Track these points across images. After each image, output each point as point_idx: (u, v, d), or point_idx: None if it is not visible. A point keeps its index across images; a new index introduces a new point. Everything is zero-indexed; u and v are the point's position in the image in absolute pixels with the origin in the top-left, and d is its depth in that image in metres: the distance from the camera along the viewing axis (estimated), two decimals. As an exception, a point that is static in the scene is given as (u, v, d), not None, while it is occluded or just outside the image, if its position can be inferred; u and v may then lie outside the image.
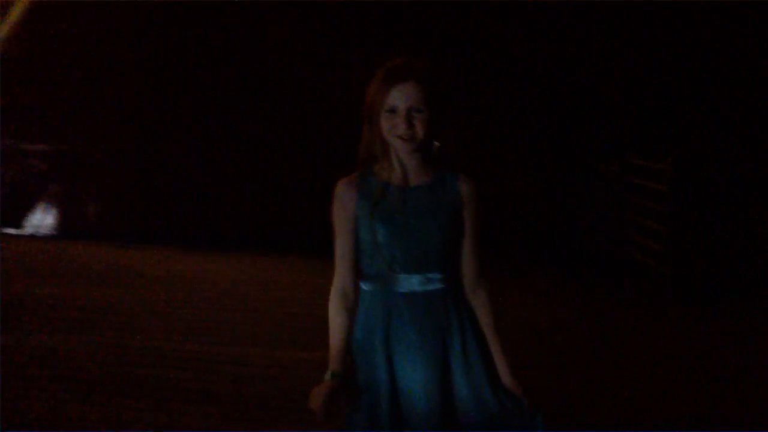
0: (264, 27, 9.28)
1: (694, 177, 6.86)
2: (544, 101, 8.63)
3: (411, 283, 1.84)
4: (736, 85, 8.22)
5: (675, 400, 3.85)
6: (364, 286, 1.90)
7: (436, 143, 1.83)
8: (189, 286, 6.41)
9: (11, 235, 9.80)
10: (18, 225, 9.94)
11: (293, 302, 5.65)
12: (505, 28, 8.60)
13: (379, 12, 8.70)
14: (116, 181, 9.77)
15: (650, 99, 8.38)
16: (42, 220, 9.94)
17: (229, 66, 9.40)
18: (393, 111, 1.77)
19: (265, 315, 5.36)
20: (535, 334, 4.96)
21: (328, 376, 1.80)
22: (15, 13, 12.19)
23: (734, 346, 4.86)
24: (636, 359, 4.55)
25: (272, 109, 9.23)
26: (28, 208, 10.03)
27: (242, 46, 9.36)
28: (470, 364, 1.84)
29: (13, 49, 12.01)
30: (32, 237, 9.65)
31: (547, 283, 6.74)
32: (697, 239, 6.86)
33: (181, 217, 9.15)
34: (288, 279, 6.67)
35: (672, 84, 8.33)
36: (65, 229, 9.74)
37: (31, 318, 5.23)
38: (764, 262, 6.73)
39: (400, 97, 1.76)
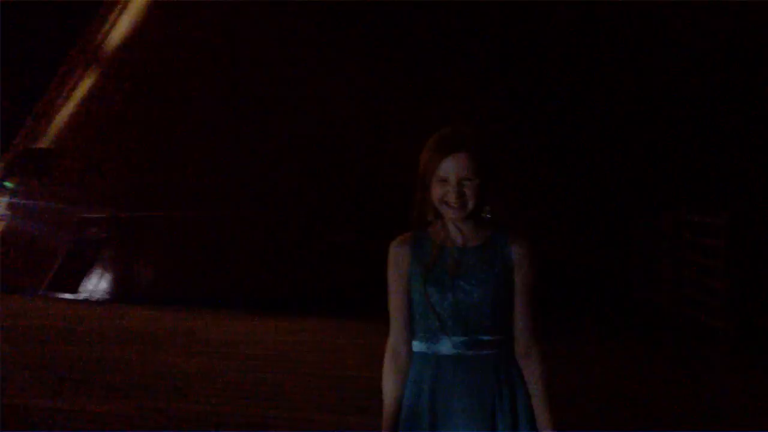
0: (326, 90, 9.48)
1: (750, 232, 6.64)
2: (598, 155, 8.55)
3: (458, 345, 1.82)
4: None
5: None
6: (416, 347, 1.88)
7: (486, 208, 1.85)
8: (238, 349, 6.42)
9: (67, 300, 10.06)
10: (74, 290, 10.21)
11: (344, 365, 5.60)
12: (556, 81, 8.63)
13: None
14: (168, 246, 10.00)
15: (706, 152, 8.23)
16: (97, 285, 10.18)
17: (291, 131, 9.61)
18: (444, 181, 1.80)
19: (320, 378, 5.31)
20: (582, 397, 4.78)
21: None
22: (76, 92, 12.83)
23: None
24: (690, 415, 4.34)
25: (326, 171, 9.36)
26: (83, 274, 10.31)
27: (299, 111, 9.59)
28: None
29: (73, 123, 12.60)
30: (85, 302, 9.88)
31: (601, 344, 6.52)
32: (757, 295, 6.59)
33: (234, 280, 9.27)
34: (338, 342, 6.64)
35: (729, 137, 8.17)
36: (119, 293, 9.96)
37: (82, 382, 5.30)
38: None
39: (451, 168, 1.79)
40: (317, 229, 9.31)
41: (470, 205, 1.80)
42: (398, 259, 1.87)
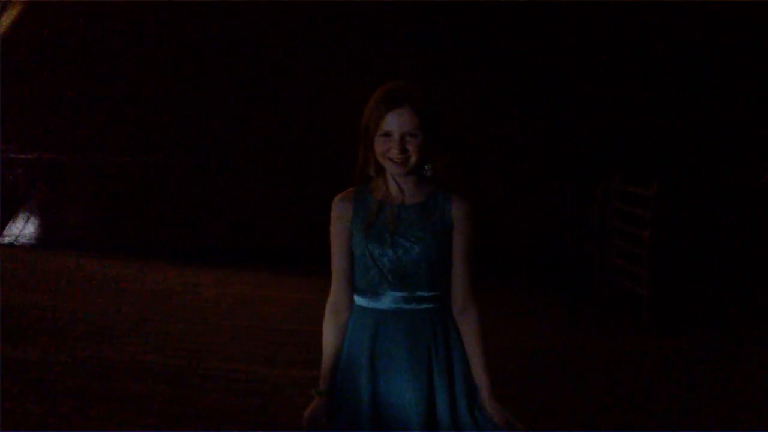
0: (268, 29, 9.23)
1: (676, 203, 6.92)
2: (533, 119, 8.69)
3: (398, 300, 1.86)
4: (722, 110, 8.33)
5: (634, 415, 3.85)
6: (357, 301, 1.92)
7: (428, 166, 1.85)
8: (172, 299, 6.35)
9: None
10: (-2, 233, 9.84)
11: (283, 319, 5.60)
12: (496, 44, 8.67)
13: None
14: (100, 191, 9.70)
15: (637, 122, 8.46)
16: (22, 229, 9.83)
17: (229, 70, 9.36)
18: (387, 135, 1.80)
19: (258, 331, 5.30)
20: (512, 355, 4.95)
21: (315, 393, 1.89)
22: (11, 13, 12.15)
23: (691, 367, 4.88)
24: (602, 377, 4.57)
25: (276, 120, 9.18)
26: (9, 216, 9.93)
27: (240, 51, 9.33)
28: (452, 384, 1.86)
29: (2, 52, 11.95)
30: (10, 246, 9.54)
31: (530, 304, 6.74)
32: (676, 264, 6.91)
33: (168, 229, 9.10)
34: (278, 295, 6.62)
35: (658, 107, 8.41)
36: (46, 238, 9.65)
37: (6, 328, 5.16)
38: (740, 288, 6.79)
39: (394, 122, 1.79)
40: (258, 180, 9.19)
41: (413, 160, 1.81)
42: (340, 214, 1.89)
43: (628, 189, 6.73)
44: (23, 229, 9.82)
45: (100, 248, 8.80)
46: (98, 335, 5.05)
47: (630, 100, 8.53)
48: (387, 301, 1.86)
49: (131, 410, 3.64)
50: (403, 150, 1.79)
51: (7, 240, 9.72)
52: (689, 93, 8.42)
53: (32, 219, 9.89)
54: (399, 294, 1.86)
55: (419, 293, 1.87)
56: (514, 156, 8.83)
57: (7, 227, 9.86)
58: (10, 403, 3.67)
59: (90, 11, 10.39)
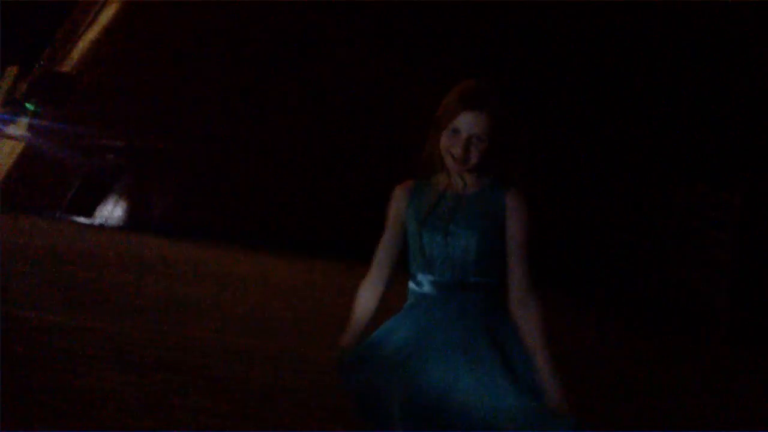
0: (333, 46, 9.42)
1: (763, 208, 6.62)
2: (614, 125, 8.48)
3: (446, 286, 1.88)
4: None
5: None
6: (410, 286, 1.94)
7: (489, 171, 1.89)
8: (245, 283, 6.56)
9: (82, 224, 10.25)
10: (89, 215, 10.38)
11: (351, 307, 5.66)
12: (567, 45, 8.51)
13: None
14: (185, 178, 10.09)
15: (724, 126, 8.14)
16: (112, 211, 10.34)
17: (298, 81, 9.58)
18: (456, 132, 1.84)
19: (327, 317, 5.41)
20: (574, 365, 4.87)
21: (339, 347, 1.91)
22: (110, 10, 12.78)
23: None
24: (677, 388, 4.42)
25: (338, 123, 9.36)
26: (100, 199, 10.46)
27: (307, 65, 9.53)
28: (506, 377, 1.83)
29: (96, 49, 12.58)
30: (100, 227, 10.06)
31: (598, 312, 6.59)
32: (761, 274, 6.61)
33: (250, 217, 9.37)
34: (349, 283, 6.72)
35: (744, 113, 8.06)
36: (133, 221, 10.11)
37: (95, 303, 5.46)
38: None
39: (467, 123, 1.83)
40: (336, 173, 9.34)
41: (472, 162, 1.84)
42: (396, 202, 1.94)
43: (713, 193, 6.50)
44: (112, 211, 10.33)
45: (182, 232, 9.17)
46: (176, 313, 5.27)
47: (716, 104, 8.21)
48: (435, 286, 1.89)
49: (202, 385, 3.79)
50: (467, 150, 1.83)
51: (97, 221, 10.25)
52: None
53: (120, 202, 10.38)
54: (447, 280, 1.89)
55: (467, 280, 1.88)
56: (595, 160, 8.65)
57: (97, 209, 10.39)
58: (90, 371, 3.88)
59: (182, 10, 10.81)
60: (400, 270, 1.95)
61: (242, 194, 9.54)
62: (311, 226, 8.98)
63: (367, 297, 1.97)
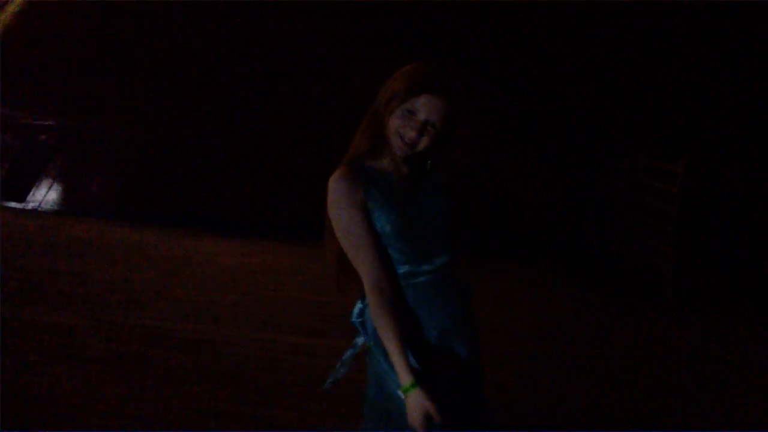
0: (276, 23, 9.22)
1: (703, 180, 6.81)
2: (556, 98, 8.56)
3: (442, 269, 1.81)
4: (752, 87, 8.14)
5: (654, 400, 3.81)
6: (403, 284, 1.82)
7: (429, 162, 1.82)
8: (191, 267, 6.38)
9: (14, 209, 9.79)
10: (21, 199, 9.93)
11: (292, 288, 5.60)
12: (517, 25, 8.52)
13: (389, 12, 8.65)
14: (123, 159, 9.74)
15: (664, 98, 8.31)
16: (45, 195, 9.91)
17: (238, 60, 9.35)
18: (411, 113, 1.72)
19: (263, 300, 5.32)
20: (529, 332, 4.92)
21: (408, 388, 1.61)
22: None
23: (717, 349, 4.82)
24: (617, 357, 4.52)
25: (278, 98, 9.19)
26: (32, 183, 10.01)
27: (254, 42, 9.30)
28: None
29: (23, 23, 11.97)
30: (34, 212, 9.63)
31: (550, 283, 6.69)
32: (702, 242, 6.82)
33: (185, 198, 9.12)
34: (288, 264, 6.63)
35: (686, 84, 8.25)
36: (69, 204, 9.71)
37: (33, 292, 5.22)
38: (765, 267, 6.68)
39: (425, 106, 1.70)
40: (275, 151, 9.17)
41: (420, 147, 1.74)
42: (348, 192, 1.73)
43: (656, 165, 6.63)
44: (46, 195, 9.89)
45: (121, 215, 8.86)
46: (121, 301, 5.08)
47: (659, 74, 8.36)
48: (434, 272, 1.80)
49: (149, 374, 3.66)
50: (420, 135, 1.72)
51: (30, 206, 9.80)
52: (719, 69, 8.24)
53: (55, 185, 9.95)
54: (443, 263, 1.82)
55: (454, 258, 1.85)
56: (539, 132, 8.72)
57: (30, 193, 9.94)
58: (36, 366, 3.71)
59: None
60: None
61: (182, 174, 9.28)
62: (254, 207, 8.82)
63: (392, 315, 1.70)
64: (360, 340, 1.89)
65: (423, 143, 1.74)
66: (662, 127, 8.17)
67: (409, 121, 1.73)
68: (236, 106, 9.29)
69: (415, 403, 1.59)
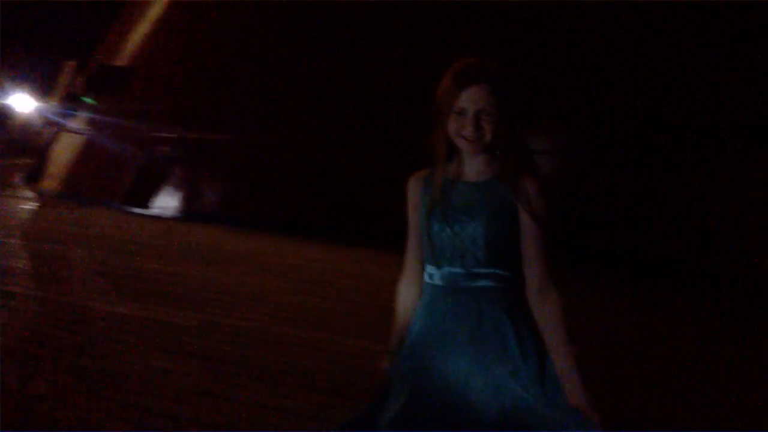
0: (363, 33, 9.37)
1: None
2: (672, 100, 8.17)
3: (454, 276, 1.82)
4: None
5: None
6: (424, 278, 1.91)
7: (500, 150, 1.81)
8: (288, 273, 6.61)
9: (138, 215, 10.51)
10: (145, 206, 10.63)
11: (388, 297, 5.67)
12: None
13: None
14: (240, 169, 10.22)
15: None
16: (166, 202, 10.57)
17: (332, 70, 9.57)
18: (461, 113, 1.75)
19: (368, 308, 5.43)
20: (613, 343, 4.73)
21: (388, 353, 1.95)
22: (153, 11, 13.03)
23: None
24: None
25: (385, 111, 9.30)
26: (155, 191, 10.70)
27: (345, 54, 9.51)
28: (524, 371, 1.74)
29: (148, 43, 12.85)
30: (156, 218, 10.29)
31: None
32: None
33: (297, 206, 9.44)
34: (387, 274, 6.72)
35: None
36: (187, 211, 10.31)
37: (145, 292, 5.59)
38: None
39: (469, 100, 1.74)
40: (379, 162, 9.31)
41: (487, 138, 1.75)
42: (411, 193, 1.91)
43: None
44: (168, 202, 10.55)
45: (235, 223, 9.31)
46: (224, 302, 5.34)
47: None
48: (443, 277, 1.83)
49: (247, 374, 3.83)
50: (478, 128, 1.74)
51: (153, 212, 10.49)
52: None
53: (176, 193, 10.59)
54: (455, 270, 1.81)
55: (477, 271, 1.79)
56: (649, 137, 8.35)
57: (152, 200, 10.63)
58: (137, 358, 3.97)
59: (231, 4, 10.91)
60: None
61: (292, 184, 9.61)
62: (359, 215, 8.97)
63: (405, 297, 1.96)
64: None
65: (486, 133, 1.76)
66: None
67: (463, 120, 1.77)
68: (345, 118, 9.51)
69: (383, 364, 1.92)
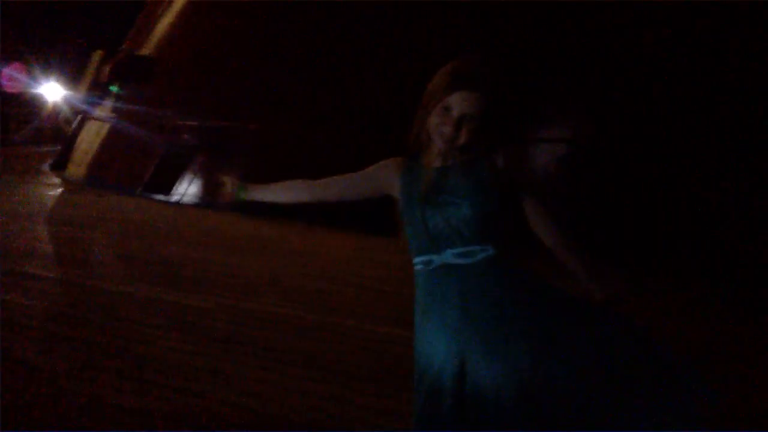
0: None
1: None
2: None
3: (451, 257, 1.86)
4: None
5: None
6: (416, 267, 1.94)
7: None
8: (311, 259, 6.68)
9: (159, 201, 10.66)
10: (167, 192, 10.78)
11: (411, 286, 5.71)
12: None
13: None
14: (259, 157, 10.31)
15: None
16: (187, 189, 10.70)
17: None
18: (447, 110, 1.80)
19: (374, 292, 5.49)
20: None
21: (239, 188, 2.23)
22: (178, 1, 13.15)
23: None
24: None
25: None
26: (176, 177, 10.83)
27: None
28: (526, 335, 1.77)
29: (172, 33, 12.97)
30: (176, 204, 10.43)
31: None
32: None
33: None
34: (399, 258, 6.75)
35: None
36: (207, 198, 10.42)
37: (166, 275, 5.70)
38: None
39: (458, 102, 1.78)
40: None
41: (461, 142, 1.81)
42: (386, 167, 1.96)
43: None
44: (188, 188, 10.67)
45: (252, 209, 9.38)
46: (240, 287, 5.43)
47: None
48: (442, 258, 1.87)
49: (263, 356, 3.90)
50: (457, 130, 1.79)
51: (174, 198, 10.62)
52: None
53: (196, 180, 10.71)
54: (457, 251, 1.85)
55: (472, 248, 1.84)
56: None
57: (174, 187, 10.77)
58: (155, 339, 4.06)
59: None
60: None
61: (316, 171, 9.65)
62: (385, 203, 8.98)
63: (292, 187, 2.15)
64: None
65: (463, 137, 1.81)
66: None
67: (446, 118, 1.81)
68: (368, 108, 9.52)
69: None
